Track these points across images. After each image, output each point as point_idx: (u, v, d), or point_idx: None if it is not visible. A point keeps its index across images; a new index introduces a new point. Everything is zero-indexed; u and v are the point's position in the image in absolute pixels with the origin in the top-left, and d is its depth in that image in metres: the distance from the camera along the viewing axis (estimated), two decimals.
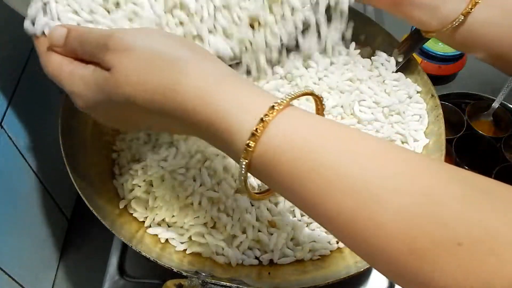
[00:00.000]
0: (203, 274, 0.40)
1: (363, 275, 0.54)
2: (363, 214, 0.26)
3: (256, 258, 0.47)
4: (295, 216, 0.48)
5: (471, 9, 0.42)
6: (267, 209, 0.48)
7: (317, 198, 0.28)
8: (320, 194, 0.27)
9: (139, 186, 0.48)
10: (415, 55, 0.62)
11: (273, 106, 0.29)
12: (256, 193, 0.35)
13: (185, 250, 0.47)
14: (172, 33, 0.37)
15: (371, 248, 0.27)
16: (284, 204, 0.48)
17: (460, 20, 0.43)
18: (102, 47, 0.32)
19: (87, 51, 0.33)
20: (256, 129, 0.28)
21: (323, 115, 0.34)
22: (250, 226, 0.47)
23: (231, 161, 0.47)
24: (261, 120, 0.28)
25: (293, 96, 0.30)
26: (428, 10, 0.44)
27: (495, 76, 0.79)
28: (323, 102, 0.34)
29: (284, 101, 0.29)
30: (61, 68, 0.34)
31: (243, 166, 0.29)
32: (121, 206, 0.48)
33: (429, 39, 0.57)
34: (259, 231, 0.47)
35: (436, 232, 0.24)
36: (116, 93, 0.32)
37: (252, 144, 0.28)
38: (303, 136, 0.28)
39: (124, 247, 0.54)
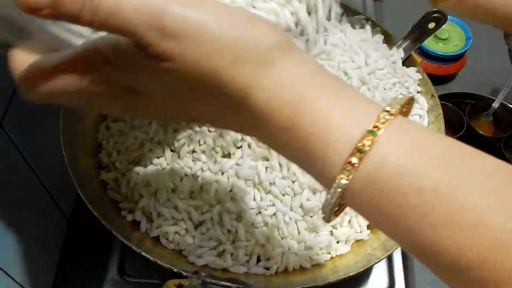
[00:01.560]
0: (203, 274, 0.40)
1: (363, 275, 0.54)
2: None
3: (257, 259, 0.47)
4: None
5: None
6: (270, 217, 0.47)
7: (427, 234, 0.22)
8: (438, 235, 0.22)
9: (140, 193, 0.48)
10: (415, 55, 0.62)
11: (383, 116, 0.23)
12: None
13: (185, 250, 0.47)
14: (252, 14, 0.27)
15: None
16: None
17: None
18: (152, 28, 0.22)
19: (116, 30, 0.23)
20: (364, 143, 0.23)
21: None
22: (253, 236, 0.46)
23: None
24: (369, 132, 0.23)
25: (401, 103, 0.24)
26: None
27: (495, 76, 0.79)
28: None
29: (395, 110, 0.24)
30: (59, 83, 0.25)
31: (339, 189, 0.23)
32: (124, 214, 0.47)
33: (428, 37, 0.57)
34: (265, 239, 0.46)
35: None
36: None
37: (356, 161, 0.23)
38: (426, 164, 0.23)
39: (124, 247, 0.54)
